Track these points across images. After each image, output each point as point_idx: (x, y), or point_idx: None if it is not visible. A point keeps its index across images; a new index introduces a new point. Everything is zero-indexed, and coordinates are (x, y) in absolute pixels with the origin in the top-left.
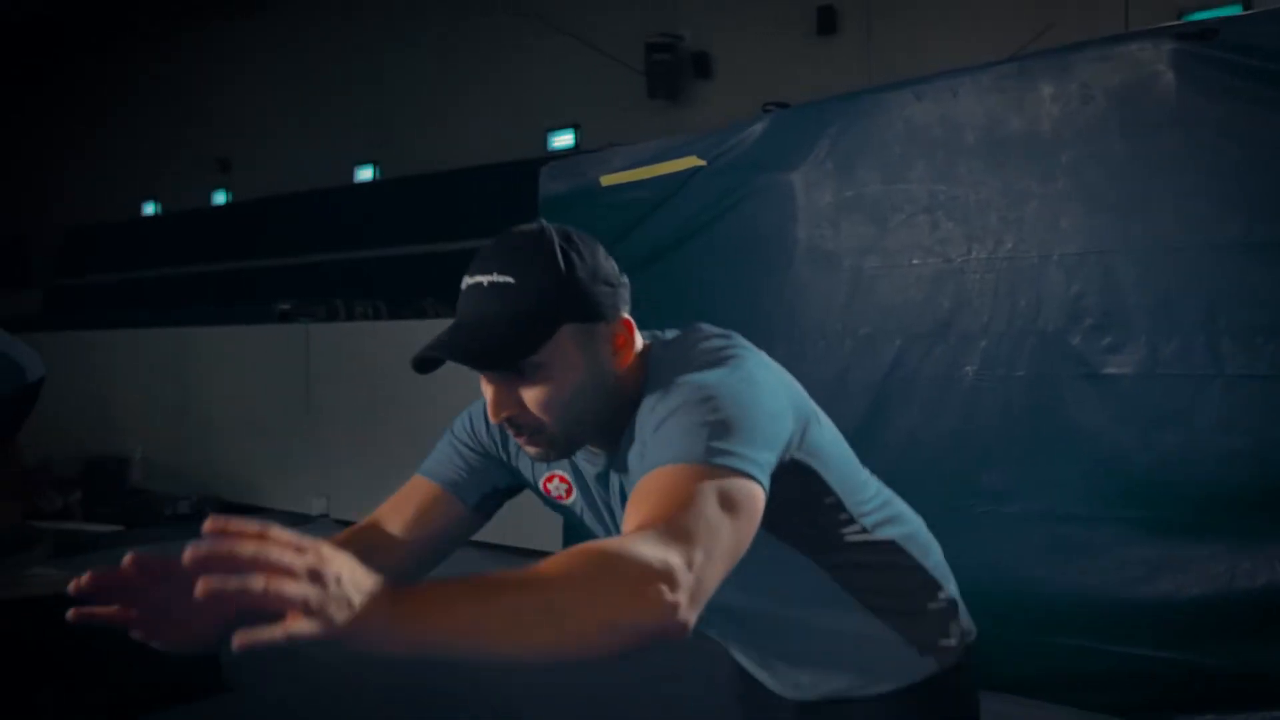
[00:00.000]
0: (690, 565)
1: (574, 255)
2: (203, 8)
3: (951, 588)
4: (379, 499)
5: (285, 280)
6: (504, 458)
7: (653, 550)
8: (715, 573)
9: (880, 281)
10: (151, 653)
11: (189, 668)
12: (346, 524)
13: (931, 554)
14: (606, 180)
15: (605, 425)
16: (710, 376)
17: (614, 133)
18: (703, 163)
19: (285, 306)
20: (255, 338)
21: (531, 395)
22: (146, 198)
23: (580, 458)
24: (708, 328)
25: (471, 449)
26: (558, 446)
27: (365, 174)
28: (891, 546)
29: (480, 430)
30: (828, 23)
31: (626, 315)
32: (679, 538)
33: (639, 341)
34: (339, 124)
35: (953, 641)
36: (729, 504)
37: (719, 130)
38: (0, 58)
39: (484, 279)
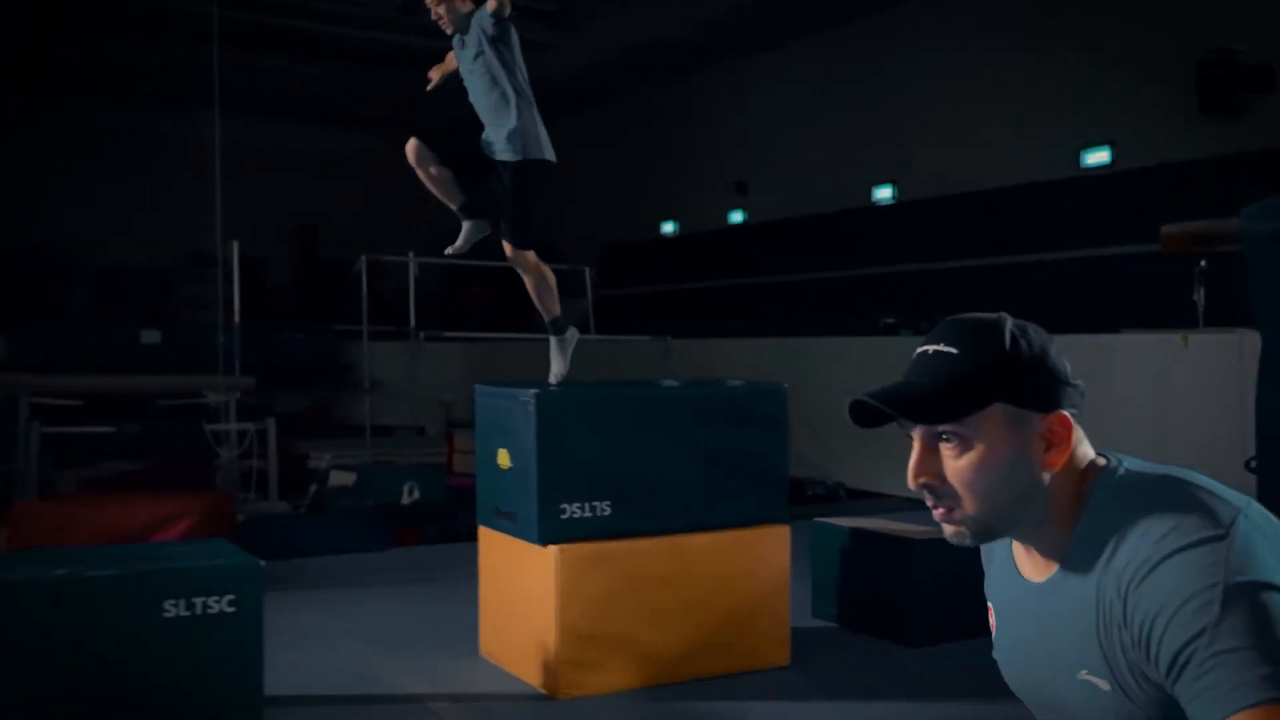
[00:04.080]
0: None
1: (1023, 341)
2: (724, 47)
3: None
4: None
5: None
6: None
7: None
8: None
9: None
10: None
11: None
12: None
13: None
14: None
15: (1027, 529)
16: (1221, 568)
17: (1155, 150)
18: None
19: (890, 320)
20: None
21: (952, 466)
22: (666, 218)
23: (1015, 596)
24: (1189, 479)
25: None
26: (971, 529)
27: (884, 194)
28: None
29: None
30: None
31: (1067, 413)
32: None
33: (1088, 453)
34: (856, 146)
35: None
36: None
37: None
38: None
39: (930, 348)
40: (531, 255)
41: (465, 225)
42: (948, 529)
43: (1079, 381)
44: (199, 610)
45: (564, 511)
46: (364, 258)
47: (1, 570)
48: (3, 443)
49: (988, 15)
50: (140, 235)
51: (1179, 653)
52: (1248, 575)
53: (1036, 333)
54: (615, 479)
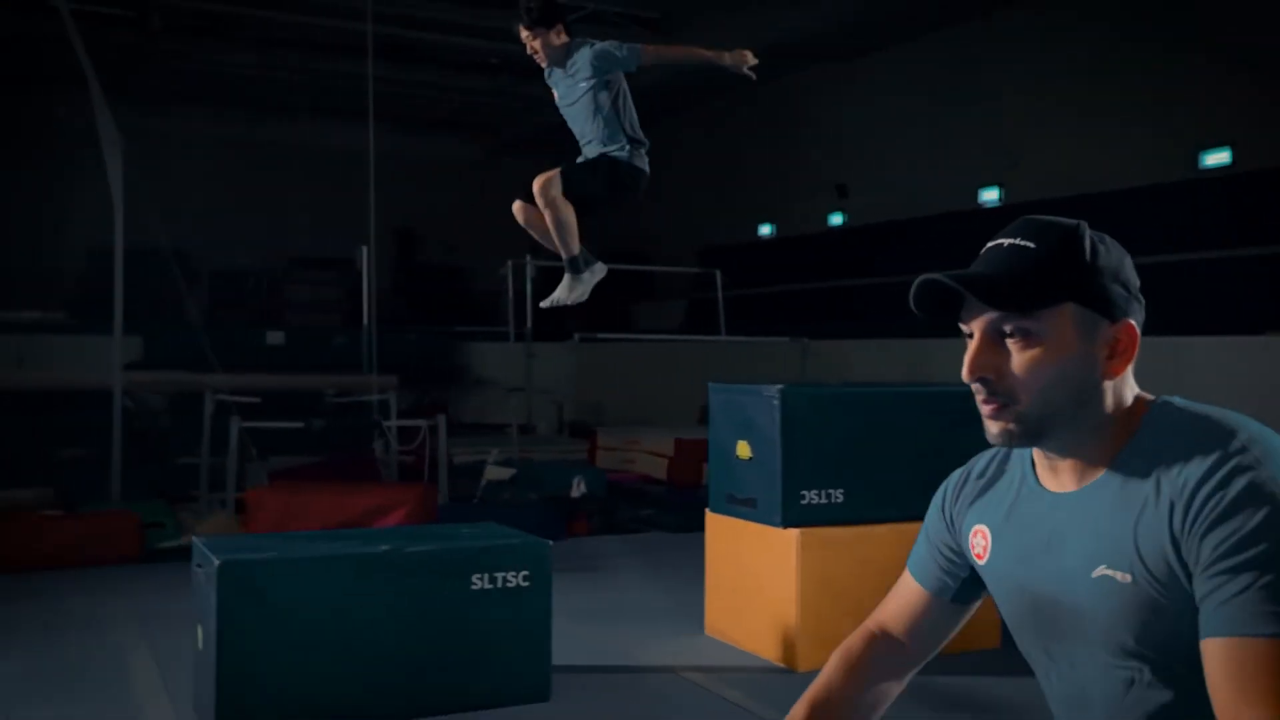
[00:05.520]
0: None
1: (1101, 248)
2: (826, 51)
3: None
4: None
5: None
6: (958, 533)
7: None
8: None
9: None
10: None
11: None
12: None
13: None
14: None
15: (1076, 432)
16: None
17: (1278, 152)
18: None
19: None
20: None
21: (1016, 361)
22: (764, 220)
23: (1036, 509)
24: (1243, 421)
25: (941, 540)
26: (1023, 425)
27: (990, 196)
28: None
29: (949, 503)
30: None
31: (1134, 324)
32: None
33: (1134, 387)
34: (961, 149)
35: None
36: None
37: None
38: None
39: (1006, 240)
40: (552, 194)
41: (569, 278)
42: (995, 425)
43: (1143, 299)
44: (500, 584)
45: (803, 497)
46: (510, 262)
47: (327, 545)
48: (195, 437)
49: (1099, 14)
50: (248, 240)
51: (1224, 552)
52: None
53: (1114, 243)
54: (849, 469)
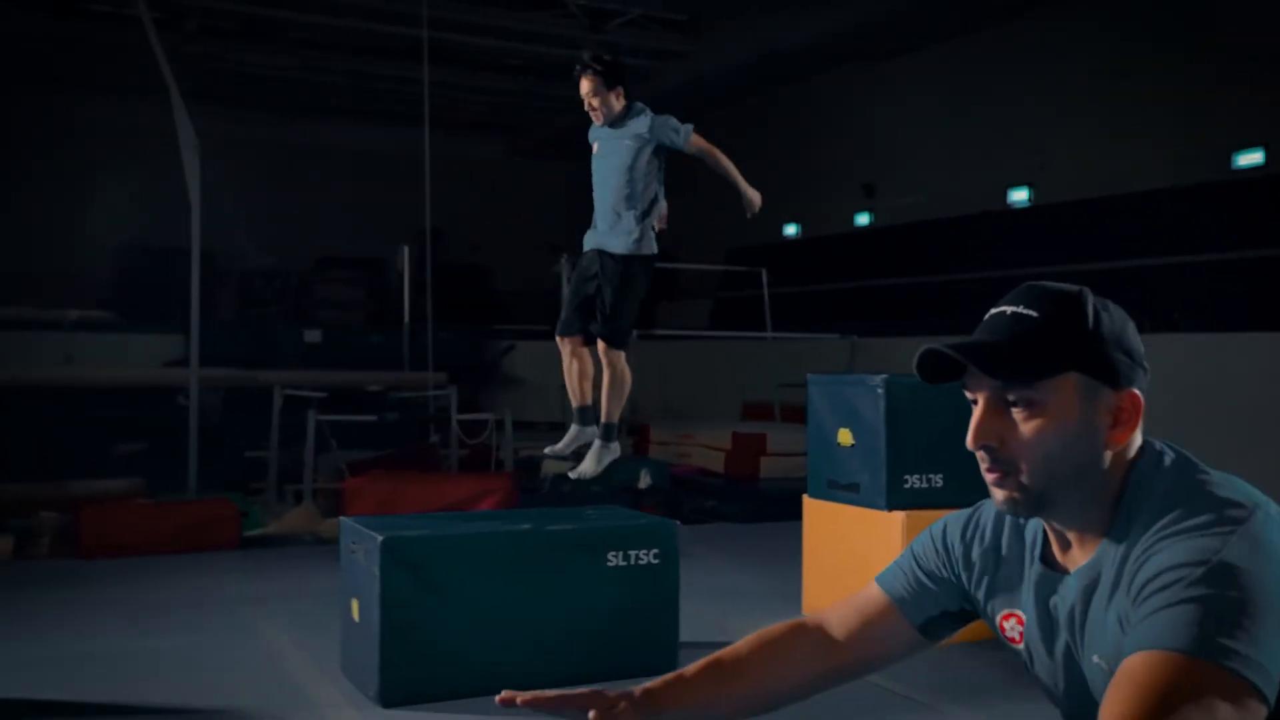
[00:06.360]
0: None
1: (1104, 315)
2: (854, 53)
3: None
4: None
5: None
6: (963, 580)
7: None
8: None
9: None
10: None
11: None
12: None
13: None
14: None
15: (1077, 504)
16: (1225, 546)
17: None
18: None
19: None
20: None
21: (1020, 430)
22: (789, 220)
23: (1049, 593)
24: (1214, 473)
25: (929, 568)
26: (1026, 495)
27: (1019, 196)
28: None
29: (953, 541)
30: None
31: (1138, 392)
32: None
33: (1137, 438)
34: (990, 149)
35: None
36: (1216, 715)
37: None
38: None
39: (1009, 309)
40: (620, 357)
41: (574, 428)
42: (999, 494)
43: (1148, 366)
44: (633, 561)
45: (906, 482)
46: (565, 258)
47: (468, 525)
48: (249, 431)
49: (1128, 16)
50: (275, 240)
51: (1151, 579)
52: (1243, 560)
53: (1117, 309)
54: (947, 455)
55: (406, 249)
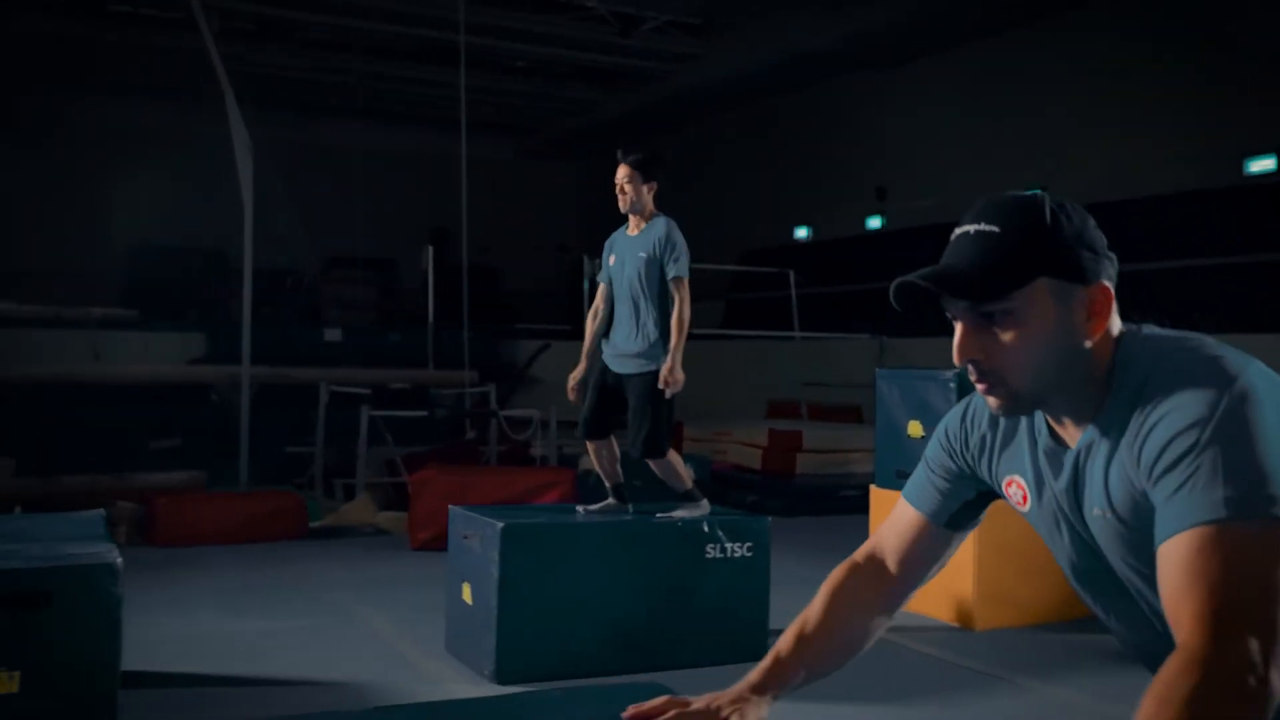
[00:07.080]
0: (1268, 672)
1: (1062, 216)
2: (868, 58)
3: None
4: None
5: None
6: (972, 465)
7: (1222, 684)
8: None
9: None
10: None
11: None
12: None
13: None
14: None
15: (1068, 395)
16: (1220, 401)
17: None
18: None
19: None
20: None
21: (999, 342)
22: (801, 223)
23: (1045, 466)
24: (1204, 337)
25: (942, 471)
26: (1018, 400)
27: None
28: None
29: (954, 434)
30: None
31: (1107, 283)
32: (1241, 650)
33: (1116, 321)
34: (1003, 153)
35: None
36: (1275, 560)
37: None
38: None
39: (971, 227)
40: (665, 458)
41: (611, 500)
42: (992, 402)
43: (1113, 255)
44: (729, 554)
45: None
46: (596, 261)
47: (570, 516)
48: (297, 426)
49: (1143, 20)
50: (285, 239)
51: (1161, 452)
52: (1245, 403)
53: (1075, 207)
54: None
55: (431, 249)
